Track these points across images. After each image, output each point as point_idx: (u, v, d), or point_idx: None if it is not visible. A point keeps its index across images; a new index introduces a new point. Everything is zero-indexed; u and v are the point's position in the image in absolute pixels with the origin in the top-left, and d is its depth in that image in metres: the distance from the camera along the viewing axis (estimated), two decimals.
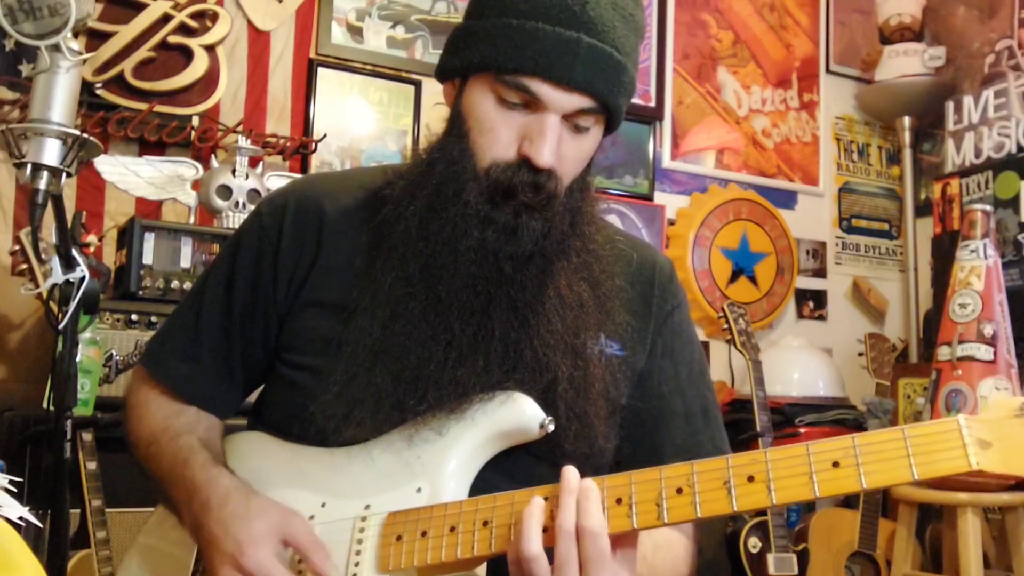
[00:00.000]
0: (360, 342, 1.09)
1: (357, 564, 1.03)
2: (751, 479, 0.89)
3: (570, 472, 0.95)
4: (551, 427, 1.03)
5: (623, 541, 0.96)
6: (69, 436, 1.69)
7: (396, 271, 1.09)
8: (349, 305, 1.11)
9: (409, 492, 1.05)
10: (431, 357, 1.06)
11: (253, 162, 2.84)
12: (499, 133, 1.06)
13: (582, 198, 1.12)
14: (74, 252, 1.69)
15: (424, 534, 1.00)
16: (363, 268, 1.13)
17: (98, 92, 2.78)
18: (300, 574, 1.04)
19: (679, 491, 0.92)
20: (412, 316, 1.07)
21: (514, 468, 1.09)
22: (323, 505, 1.08)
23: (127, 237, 2.43)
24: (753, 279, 3.74)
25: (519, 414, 1.04)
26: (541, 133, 1.04)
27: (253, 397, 1.28)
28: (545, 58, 1.02)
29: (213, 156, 2.80)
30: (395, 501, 1.05)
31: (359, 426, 1.06)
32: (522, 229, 1.05)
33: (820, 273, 4.01)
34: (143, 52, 2.83)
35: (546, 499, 0.96)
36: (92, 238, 2.48)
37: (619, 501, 0.94)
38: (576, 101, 1.04)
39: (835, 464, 0.87)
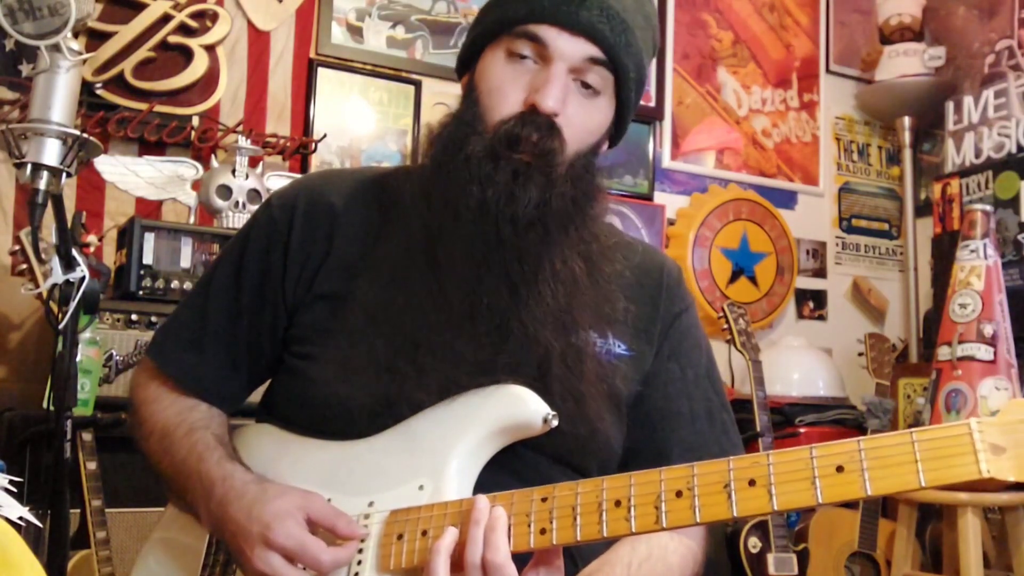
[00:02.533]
0: (360, 312, 1.10)
1: (360, 563, 1.03)
2: (752, 483, 0.88)
3: (479, 502, 0.97)
4: (555, 422, 1.03)
5: (547, 557, 0.97)
6: (69, 436, 1.69)
7: (399, 237, 1.11)
8: (354, 285, 1.13)
9: (411, 489, 1.05)
10: (428, 323, 1.07)
11: (253, 162, 2.84)
12: (507, 90, 1.09)
13: (586, 175, 1.13)
14: (74, 252, 1.69)
15: (425, 533, 1.00)
16: (370, 243, 1.15)
17: (98, 92, 2.77)
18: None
19: (678, 494, 0.90)
20: (411, 282, 1.09)
21: (517, 463, 1.08)
22: (328, 501, 1.08)
23: (127, 237, 2.43)
24: (753, 279, 3.74)
25: (522, 409, 1.04)
26: (547, 80, 1.07)
27: (257, 397, 1.29)
28: (551, 3, 1.07)
29: (213, 156, 2.80)
30: (398, 498, 1.05)
31: (357, 391, 1.07)
32: (520, 190, 1.06)
33: (820, 273, 4.01)
34: (143, 52, 2.83)
35: (545, 500, 0.96)
36: (92, 238, 2.48)
37: (618, 504, 0.93)
38: (581, 47, 1.07)
39: (839, 469, 0.84)
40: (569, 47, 1.07)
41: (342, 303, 1.13)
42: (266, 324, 1.20)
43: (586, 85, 1.10)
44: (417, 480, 1.05)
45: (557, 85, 1.07)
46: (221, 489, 1.08)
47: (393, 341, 1.07)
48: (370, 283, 1.11)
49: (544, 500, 0.96)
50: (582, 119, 1.10)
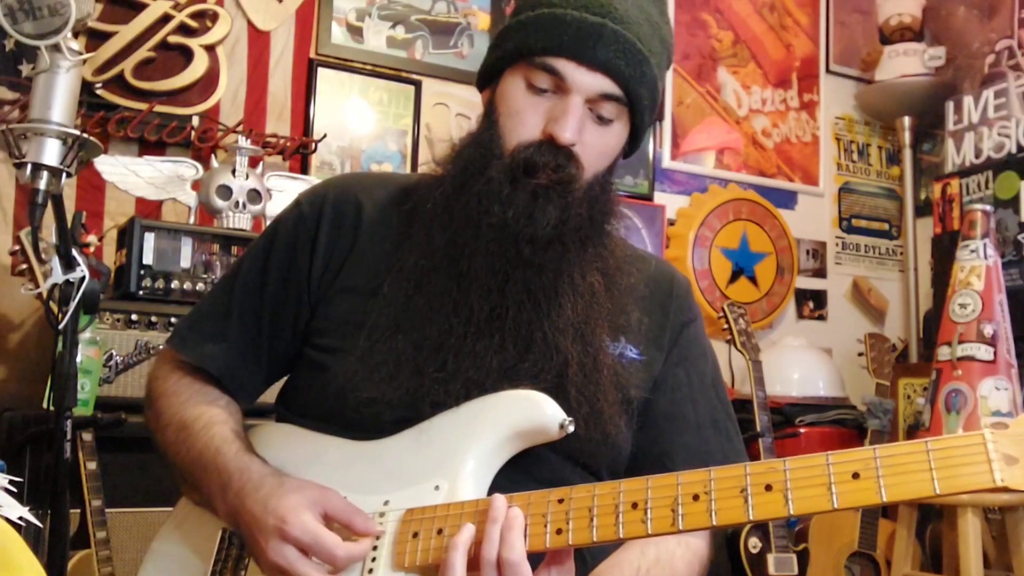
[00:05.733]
0: (384, 311, 1.13)
1: (374, 560, 1.03)
2: (768, 488, 0.89)
3: (496, 501, 0.98)
4: (571, 428, 1.04)
5: (558, 557, 0.98)
6: (69, 436, 1.69)
7: (422, 246, 1.14)
8: (376, 284, 1.15)
9: (427, 489, 1.05)
10: (452, 330, 1.09)
11: (253, 162, 2.84)
12: (526, 116, 1.12)
13: (602, 195, 1.16)
14: (74, 252, 1.69)
15: (440, 532, 1.01)
16: (392, 248, 1.18)
17: (98, 92, 2.77)
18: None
19: (695, 498, 0.92)
20: (435, 289, 1.12)
21: (533, 465, 1.10)
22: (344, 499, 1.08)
23: (127, 237, 2.43)
24: (753, 279, 3.74)
25: (539, 414, 1.05)
26: (564, 112, 1.10)
27: (269, 397, 1.29)
28: (571, 39, 1.10)
29: (213, 156, 2.80)
30: (413, 498, 1.05)
31: (378, 386, 1.09)
32: (539, 212, 1.09)
33: (820, 273, 4.01)
34: (143, 52, 2.83)
35: (561, 501, 0.97)
36: (92, 238, 2.48)
37: (635, 506, 0.94)
38: (599, 82, 1.11)
39: (855, 475, 0.86)
40: (587, 81, 1.10)
41: (366, 299, 1.15)
42: (288, 318, 1.22)
43: (600, 117, 1.13)
44: (433, 480, 1.06)
45: (574, 117, 1.10)
46: (239, 481, 1.09)
47: (418, 344, 1.10)
48: (394, 287, 1.14)
49: (561, 501, 0.97)
50: (598, 145, 1.14)
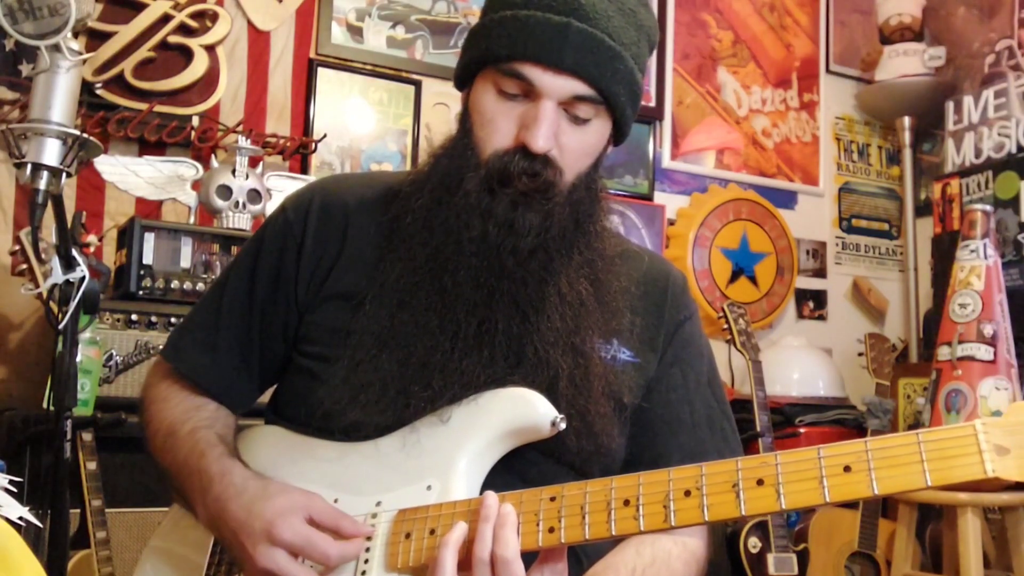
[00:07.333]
0: (368, 330, 1.11)
1: (367, 562, 1.03)
2: (760, 482, 0.88)
3: (489, 498, 0.97)
4: (563, 425, 1.04)
5: (552, 555, 0.97)
6: (69, 436, 1.69)
7: (404, 261, 1.12)
8: (361, 295, 1.13)
9: (419, 489, 1.05)
10: (438, 347, 1.07)
11: (253, 162, 2.84)
12: (498, 123, 1.09)
13: (587, 196, 1.13)
14: (74, 252, 1.69)
15: (433, 532, 1.01)
16: (374, 260, 1.15)
17: (98, 92, 2.77)
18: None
19: (687, 493, 0.91)
20: (419, 306, 1.09)
21: (523, 466, 1.09)
22: (335, 501, 1.08)
23: (127, 237, 2.43)
24: (753, 279, 3.74)
25: (531, 412, 1.04)
26: (535, 119, 1.06)
27: (266, 397, 1.29)
28: (535, 42, 1.05)
29: (213, 156, 2.80)
30: (406, 498, 1.05)
31: (364, 409, 1.08)
32: (519, 222, 1.07)
33: (820, 273, 4.01)
34: (143, 52, 2.83)
35: (553, 499, 0.96)
36: (92, 238, 2.48)
37: (626, 503, 0.93)
38: (568, 85, 1.06)
39: (846, 469, 0.86)
40: (556, 85, 1.06)
41: (353, 307, 1.13)
42: (278, 324, 1.21)
43: (576, 117, 1.09)
44: (425, 480, 1.05)
45: (546, 124, 1.06)
46: (219, 485, 1.08)
47: (403, 362, 1.08)
48: (376, 302, 1.12)
49: (553, 499, 0.97)
50: (576, 146, 1.10)
